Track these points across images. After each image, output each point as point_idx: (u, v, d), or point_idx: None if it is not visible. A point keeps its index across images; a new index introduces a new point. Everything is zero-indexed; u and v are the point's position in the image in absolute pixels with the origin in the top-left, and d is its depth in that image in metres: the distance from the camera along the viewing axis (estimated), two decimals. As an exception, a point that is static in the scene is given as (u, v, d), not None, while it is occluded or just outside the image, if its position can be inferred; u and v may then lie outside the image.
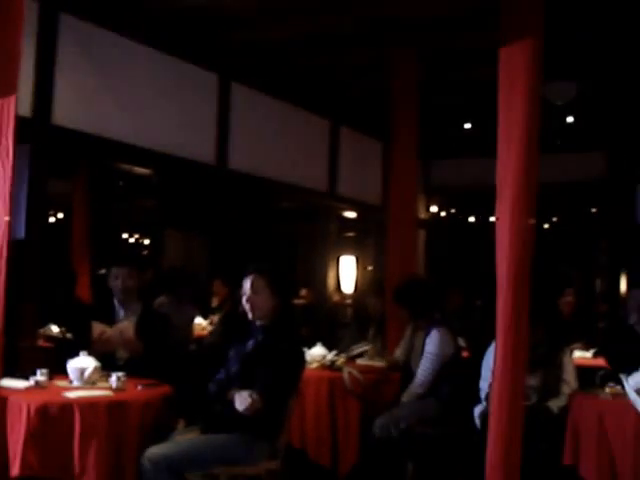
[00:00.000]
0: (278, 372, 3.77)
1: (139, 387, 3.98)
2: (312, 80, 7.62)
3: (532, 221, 3.51)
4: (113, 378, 3.93)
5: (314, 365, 5.26)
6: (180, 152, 6.61)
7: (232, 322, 6.14)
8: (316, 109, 8.30)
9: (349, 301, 10.18)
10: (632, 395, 3.77)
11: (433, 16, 5.77)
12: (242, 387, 3.72)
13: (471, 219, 11.68)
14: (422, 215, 10.43)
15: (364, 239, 10.81)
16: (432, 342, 5.19)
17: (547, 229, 11.22)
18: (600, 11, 5.54)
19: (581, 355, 6.27)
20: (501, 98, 3.68)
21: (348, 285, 10.33)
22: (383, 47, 6.41)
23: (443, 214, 11.20)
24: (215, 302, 9.05)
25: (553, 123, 8.00)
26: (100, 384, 4.00)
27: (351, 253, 10.43)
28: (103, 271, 6.55)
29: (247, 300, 3.93)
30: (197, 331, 7.49)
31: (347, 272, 10.31)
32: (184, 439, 3.77)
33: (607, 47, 6.22)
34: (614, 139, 8.92)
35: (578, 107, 7.54)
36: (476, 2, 5.33)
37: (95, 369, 4.04)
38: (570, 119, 8.12)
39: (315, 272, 9.34)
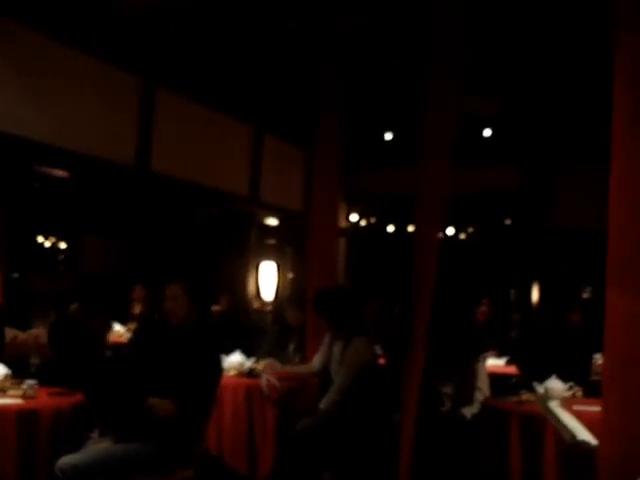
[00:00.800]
0: (195, 379, 3.74)
1: (50, 395, 3.89)
2: (237, 88, 7.60)
3: (443, 231, 3.60)
4: (24, 386, 3.82)
5: (232, 372, 5.23)
6: (99, 153, 6.49)
7: (149, 327, 6.05)
8: (240, 116, 8.30)
9: (269, 308, 10.16)
10: (542, 403, 3.88)
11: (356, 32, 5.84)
12: (158, 394, 3.67)
13: (390, 228, 11.82)
14: (343, 224, 10.51)
15: (285, 246, 10.82)
16: (352, 351, 5.22)
17: (464, 239, 11.46)
18: (518, 29, 5.70)
19: (495, 363, 6.43)
20: (423, 112, 3.75)
21: (268, 292, 10.31)
22: (308, 60, 6.44)
23: (363, 223, 11.29)
24: (136, 309, 8.88)
25: (472, 137, 8.20)
26: (11, 392, 3.88)
27: (272, 260, 10.42)
28: (16, 275, 6.36)
29: (167, 307, 3.90)
30: (114, 338, 7.34)
31: (267, 279, 10.29)
32: (97, 448, 3.69)
33: (523, 67, 6.41)
34: (526, 153, 9.20)
35: (496, 122, 7.75)
36: (400, 16, 5.42)
37: (5, 376, 3.92)
38: (487, 133, 8.34)
39: (235, 279, 9.29)
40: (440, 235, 3.72)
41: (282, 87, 7.51)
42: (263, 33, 6.10)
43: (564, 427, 2.93)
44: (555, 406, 3.24)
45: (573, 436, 2.84)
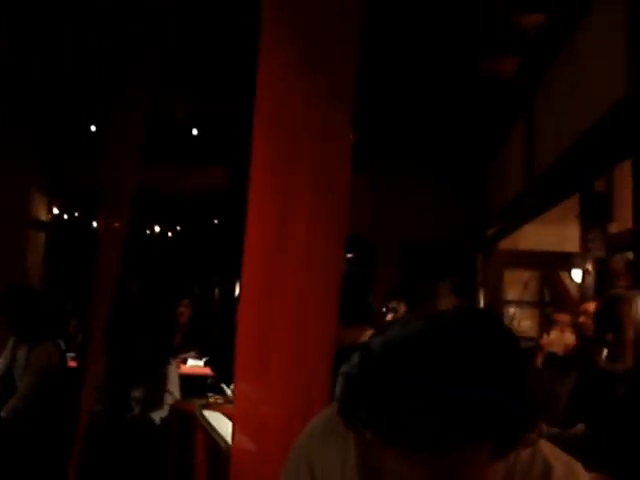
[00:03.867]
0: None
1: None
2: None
3: (128, 228, 3.50)
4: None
5: None
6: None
7: None
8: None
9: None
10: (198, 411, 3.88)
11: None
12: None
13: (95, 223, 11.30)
14: (42, 217, 9.87)
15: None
16: (37, 355, 4.91)
17: (171, 237, 11.34)
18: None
19: (194, 364, 6.44)
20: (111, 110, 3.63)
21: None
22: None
23: (66, 217, 10.70)
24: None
25: (180, 137, 8.14)
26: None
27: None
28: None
29: None
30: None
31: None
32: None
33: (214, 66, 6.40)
34: (232, 155, 9.35)
35: (201, 122, 7.77)
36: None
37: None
38: (195, 132, 8.34)
39: None
40: (123, 232, 3.59)
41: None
42: None
43: (217, 434, 2.98)
44: (209, 414, 3.28)
45: (225, 442, 2.89)
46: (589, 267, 7.32)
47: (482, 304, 7.26)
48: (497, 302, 7.25)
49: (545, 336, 5.99)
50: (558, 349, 5.79)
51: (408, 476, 0.84)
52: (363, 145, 8.37)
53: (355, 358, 0.88)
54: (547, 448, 1.11)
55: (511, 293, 7.69)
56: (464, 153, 7.41)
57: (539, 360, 5.74)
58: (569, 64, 4.41)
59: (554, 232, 7.60)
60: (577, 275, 7.33)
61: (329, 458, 1.07)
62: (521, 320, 7.84)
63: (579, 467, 1.14)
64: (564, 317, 5.88)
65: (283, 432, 2.19)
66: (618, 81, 3.45)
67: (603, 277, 6.99)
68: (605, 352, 3.85)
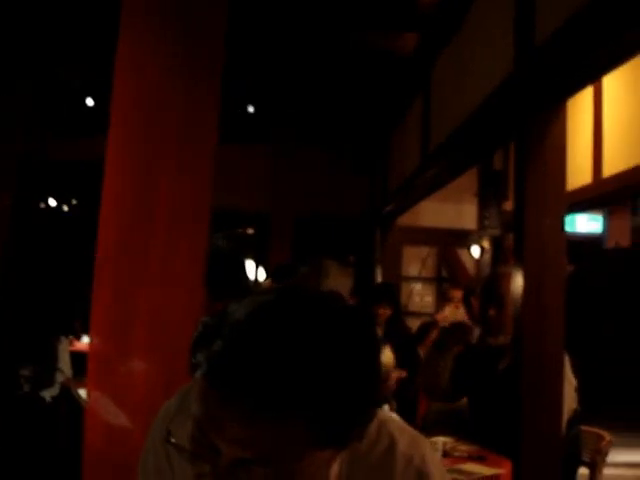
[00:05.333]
0: None
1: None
2: None
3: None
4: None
5: None
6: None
7: None
8: None
9: None
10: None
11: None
12: None
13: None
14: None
15: None
16: None
17: (67, 211, 10.83)
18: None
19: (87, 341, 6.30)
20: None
21: None
22: None
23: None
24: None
25: (74, 106, 7.84)
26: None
27: None
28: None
29: None
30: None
31: None
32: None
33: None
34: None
35: (96, 91, 7.51)
36: None
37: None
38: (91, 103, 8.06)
39: None
40: (9, 203, 3.43)
41: None
42: None
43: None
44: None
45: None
46: (485, 244, 7.49)
47: (380, 280, 7.31)
48: (395, 278, 7.31)
49: (440, 312, 6.12)
50: (452, 324, 5.91)
51: (228, 428, 0.85)
52: (265, 115, 8.33)
53: (215, 315, 0.92)
54: (393, 424, 1.13)
55: (410, 269, 7.78)
56: (366, 128, 7.42)
57: (433, 335, 5.85)
58: (464, 41, 4.44)
59: (453, 210, 7.73)
60: (476, 252, 7.50)
61: (182, 418, 1.05)
62: (424, 296, 7.96)
63: (424, 441, 1.15)
64: (459, 293, 6.01)
65: (142, 401, 2.16)
66: (506, 59, 3.48)
67: (498, 254, 7.18)
68: (477, 331, 3.94)
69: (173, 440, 0.94)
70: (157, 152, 2.26)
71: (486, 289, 3.61)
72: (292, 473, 0.88)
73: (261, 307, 0.89)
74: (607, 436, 3.33)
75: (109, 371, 2.26)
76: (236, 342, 0.85)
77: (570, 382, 3.23)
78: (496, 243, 7.29)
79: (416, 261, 7.80)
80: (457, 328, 4.21)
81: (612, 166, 4.61)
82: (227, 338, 0.86)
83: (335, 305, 0.92)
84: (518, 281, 3.21)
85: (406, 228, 7.40)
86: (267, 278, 5.88)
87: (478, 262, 7.53)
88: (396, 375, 4.81)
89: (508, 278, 3.41)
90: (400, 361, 5.06)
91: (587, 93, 4.72)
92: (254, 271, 7.69)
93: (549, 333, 3.12)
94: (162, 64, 2.22)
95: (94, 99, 8.01)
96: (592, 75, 3.16)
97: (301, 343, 0.85)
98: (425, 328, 5.93)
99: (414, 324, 6.33)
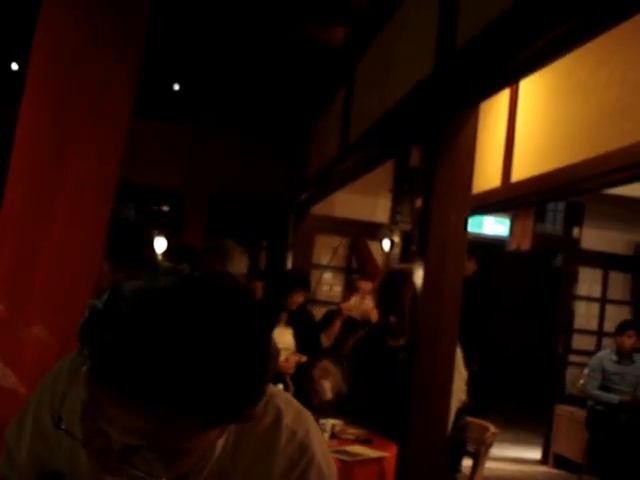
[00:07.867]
0: None
1: None
2: None
3: None
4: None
5: None
6: None
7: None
8: None
9: None
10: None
11: None
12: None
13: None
14: None
15: None
16: None
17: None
18: None
19: None
20: None
21: None
22: None
23: None
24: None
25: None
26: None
27: None
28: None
29: None
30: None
31: None
32: None
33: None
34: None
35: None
36: None
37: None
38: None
39: None
40: None
41: None
42: None
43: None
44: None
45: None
46: (396, 238, 7.65)
47: (290, 266, 7.36)
48: (306, 265, 7.38)
49: (346, 301, 6.20)
50: (357, 314, 6.01)
51: (118, 419, 0.85)
52: (189, 97, 8.23)
53: (106, 294, 0.88)
54: (281, 397, 1.16)
55: (320, 257, 7.86)
56: (289, 116, 7.45)
57: (337, 324, 5.94)
58: (389, 39, 4.50)
59: (368, 203, 7.85)
60: (387, 245, 7.64)
61: (73, 398, 1.05)
62: (333, 285, 8.05)
63: (309, 416, 1.18)
64: (366, 284, 6.11)
65: (32, 364, 2.14)
66: (427, 60, 3.54)
67: (408, 249, 7.33)
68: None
69: (64, 427, 0.94)
70: (69, 120, 2.23)
71: (385, 295, 3.59)
72: (182, 453, 0.90)
73: (150, 301, 0.86)
74: (492, 428, 3.45)
75: (2, 332, 2.23)
76: (124, 341, 0.82)
77: (461, 374, 3.33)
78: (406, 238, 7.46)
79: (327, 250, 7.88)
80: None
81: (521, 171, 4.72)
82: (115, 335, 0.83)
83: (226, 291, 0.91)
84: (419, 274, 3.27)
85: (320, 217, 7.47)
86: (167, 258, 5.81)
87: (388, 255, 7.67)
88: (296, 359, 4.88)
89: (407, 279, 3.39)
90: (301, 346, 5.13)
91: (504, 98, 4.84)
92: (165, 248, 7.59)
93: (445, 324, 3.20)
94: (81, 32, 2.19)
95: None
96: (505, 82, 3.26)
97: (192, 339, 0.84)
98: (330, 316, 6.02)
99: (321, 312, 6.41)
